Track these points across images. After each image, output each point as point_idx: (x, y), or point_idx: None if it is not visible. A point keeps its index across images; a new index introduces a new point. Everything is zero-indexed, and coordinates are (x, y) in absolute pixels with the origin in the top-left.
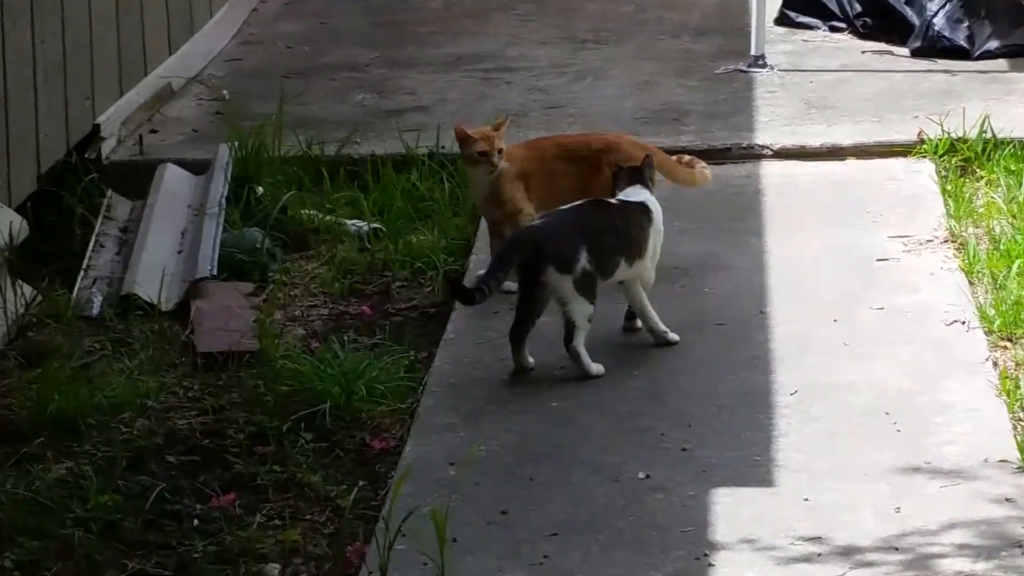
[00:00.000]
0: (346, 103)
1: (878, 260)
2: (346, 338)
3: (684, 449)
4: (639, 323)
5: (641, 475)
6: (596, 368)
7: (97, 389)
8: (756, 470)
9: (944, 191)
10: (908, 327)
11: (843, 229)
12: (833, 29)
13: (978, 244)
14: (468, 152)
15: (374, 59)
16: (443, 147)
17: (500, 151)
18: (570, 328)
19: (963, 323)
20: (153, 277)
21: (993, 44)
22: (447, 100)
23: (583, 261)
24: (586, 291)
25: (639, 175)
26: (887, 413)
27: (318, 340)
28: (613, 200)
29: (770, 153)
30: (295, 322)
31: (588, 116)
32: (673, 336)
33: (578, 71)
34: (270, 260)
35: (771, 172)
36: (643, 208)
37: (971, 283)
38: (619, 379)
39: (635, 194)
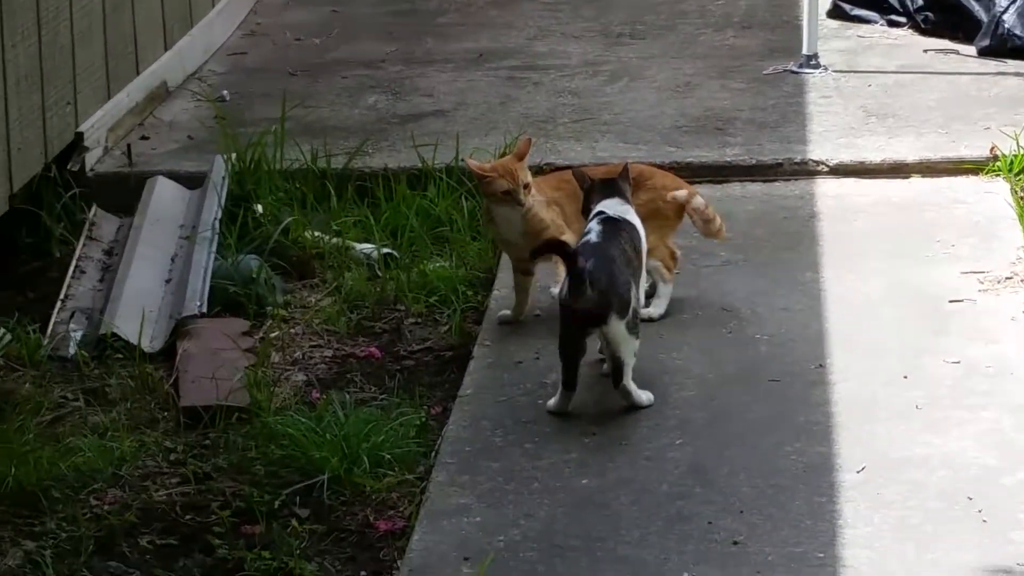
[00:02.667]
0: (357, 106)
1: (950, 301)
2: (349, 392)
3: (736, 542)
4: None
5: None
6: (647, 397)
7: (65, 453)
8: (820, 571)
9: (1021, 216)
10: (988, 386)
11: (909, 262)
12: (891, 24)
13: None
14: (490, 191)
15: (390, 54)
16: (463, 160)
17: (527, 186)
18: (619, 366)
19: None
20: (136, 312)
21: None
22: (468, 103)
23: (633, 301)
24: (635, 329)
25: (617, 187)
26: (969, 498)
27: (319, 389)
28: (617, 217)
29: (826, 170)
30: (295, 366)
31: (623, 124)
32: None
33: (613, 71)
34: (268, 292)
35: (827, 192)
36: (634, 227)
37: None
38: (658, 450)
39: (615, 208)
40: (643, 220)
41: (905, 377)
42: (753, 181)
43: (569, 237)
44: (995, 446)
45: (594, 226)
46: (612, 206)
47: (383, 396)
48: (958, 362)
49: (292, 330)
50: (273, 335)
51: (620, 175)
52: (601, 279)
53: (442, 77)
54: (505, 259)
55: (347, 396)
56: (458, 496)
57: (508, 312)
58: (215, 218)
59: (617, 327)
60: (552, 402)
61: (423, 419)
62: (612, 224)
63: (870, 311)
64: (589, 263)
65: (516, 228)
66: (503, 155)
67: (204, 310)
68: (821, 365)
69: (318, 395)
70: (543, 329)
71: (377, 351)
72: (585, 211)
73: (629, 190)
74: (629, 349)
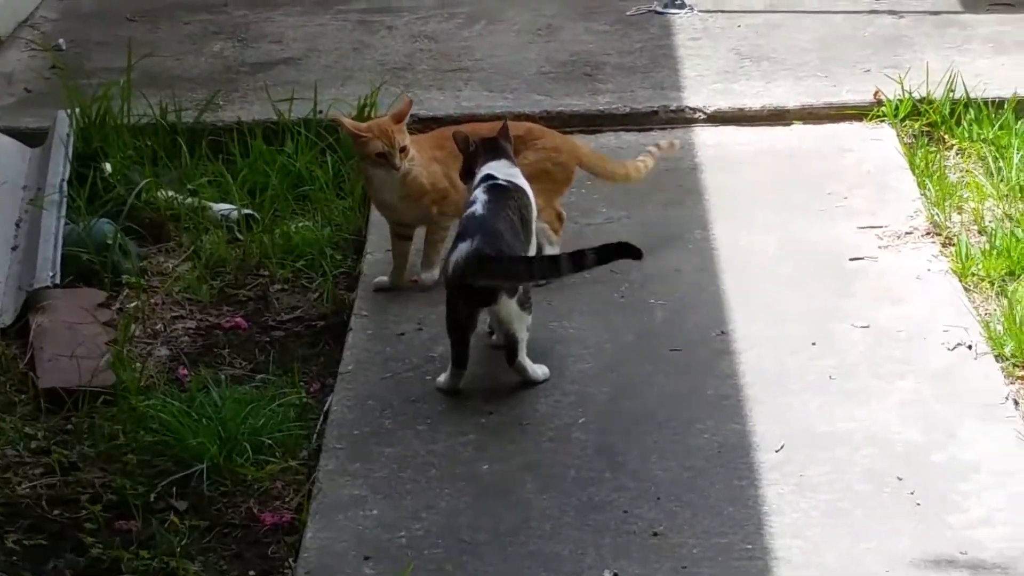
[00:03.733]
0: (203, 54)
1: (851, 259)
2: (219, 369)
3: (656, 533)
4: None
5: (607, 574)
6: (543, 371)
7: None
8: (750, 565)
9: (912, 165)
10: (902, 352)
11: (802, 216)
12: None
13: (968, 237)
14: (364, 153)
15: None
16: (320, 112)
17: (404, 150)
18: (512, 342)
19: (969, 347)
20: None
21: None
22: (319, 50)
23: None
24: (527, 304)
25: (502, 148)
26: (899, 478)
27: (186, 366)
28: (506, 182)
29: (703, 117)
30: (157, 339)
31: (485, 71)
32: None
33: (469, 13)
34: (123, 258)
35: (706, 141)
36: (523, 191)
37: (967, 289)
38: (560, 430)
39: (503, 172)
40: (530, 181)
41: (814, 344)
42: (628, 130)
43: (452, 196)
44: (918, 419)
45: (479, 195)
46: (500, 168)
47: (258, 375)
48: (867, 326)
49: (152, 300)
50: (132, 305)
51: (500, 134)
52: (490, 259)
53: (289, 21)
54: (376, 219)
55: (220, 375)
56: (351, 486)
57: (385, 279)
58: (62, 179)
59: (509, 305)
60: (442, 379)
61: (302, 399)
62: (499, 191)
63: (767, 271)
64: (475, 240)
65: (393, 192)
66: (364, 107)
67: (57, 280)
68: (723, 332)
69: (185, 372)
70: (423, 297)
71: (243, 321)
72: (467, 175)
73: (511, 149)
74: (522, 325)
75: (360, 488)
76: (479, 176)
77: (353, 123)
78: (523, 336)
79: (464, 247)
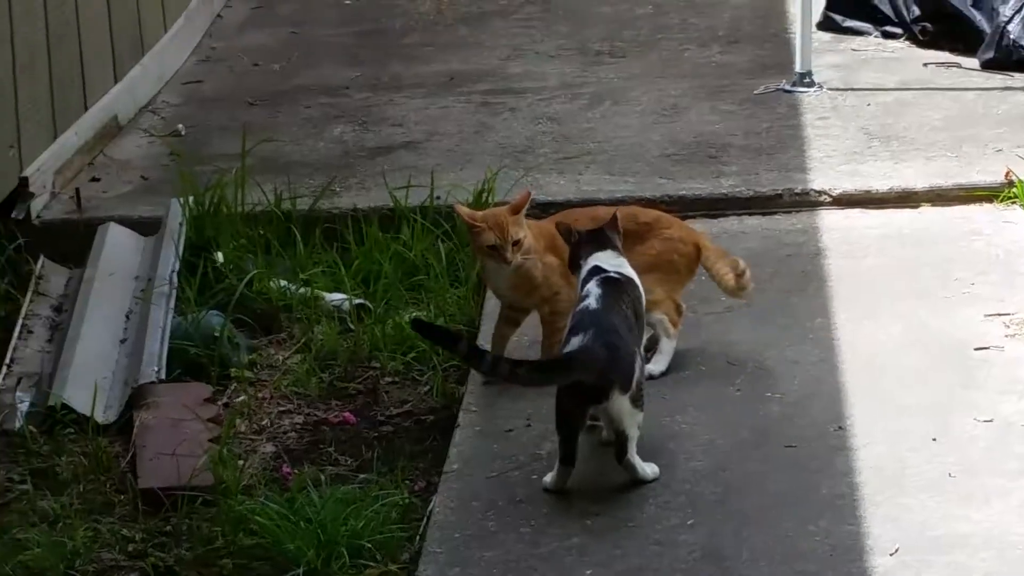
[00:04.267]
0: (323, 138)
1: (976, 349)
2: (322, 469)
3: None
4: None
5: None
6: (652, 470)
7: (12, 548)
8: None
9: None
10: None
11: (927, 304)
12: (886, 35)
13: None
14: (477, 244)
15: (354, 79)
16: (438, 198)
17: (517, 243)
18: (622, 440)
19: None
20: (88, 379)
21: None
22: (440, 133)
23: (637, 372)
24: (639, 401)
25: (608, 238)
26: None
27: (290, 464)
28: (617, 275)
29: (829, 200)
30: (263, 435)
31: (608, 154)
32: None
33: (593, 93)
34: (232, 350)
35: (831, 225)
36: (634, 282)
37: None
38: (668, 532)
39: (611, 262)
40: (651, 271)
41: (934, 439)
42: (751, 214)
43: (565, 294)
44: None
45: (592, 288)
46: (607, 260)
47: (362, 475)
48: (991, 420)
49: (259, 394)
50: (238, 400)
51: (609, 224)
52: (601, 355)
53: (412, 104)
54: (489, 311)
55: (321, 475)
56: None
57: None
58: (172, 271)
59: (621, 403)
60: (549, 478)
61: (406, 500)
62: (612, 285)
63: (889, 362)
64: (587, 336)
65: (504, 282)
66: (481, 192)
67: (163, 376)
68: (840, 427)
69: (289, 470)
70: (533, 391)
71: (351, 416)
72: (573, 265)
73: (620, 239)
74: (633, 422)
75: None
76: (586, 268)
77: (469, 212)
78: (634, 434)
79: (576, 342)
